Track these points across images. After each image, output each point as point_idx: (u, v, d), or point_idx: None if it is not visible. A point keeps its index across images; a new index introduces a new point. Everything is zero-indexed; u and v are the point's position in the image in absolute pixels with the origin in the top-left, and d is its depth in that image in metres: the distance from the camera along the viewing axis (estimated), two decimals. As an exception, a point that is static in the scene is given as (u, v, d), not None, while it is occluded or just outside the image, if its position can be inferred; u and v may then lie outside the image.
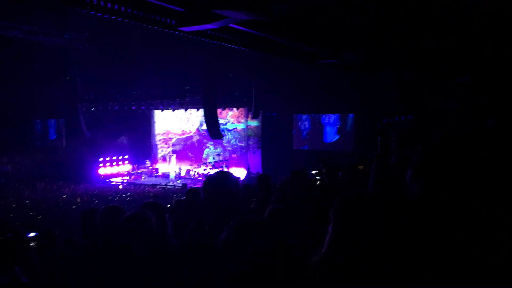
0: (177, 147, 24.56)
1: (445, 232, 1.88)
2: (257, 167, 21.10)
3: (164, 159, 24.77)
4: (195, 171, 22.58)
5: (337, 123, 19.79)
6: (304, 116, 20.58)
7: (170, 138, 24.89)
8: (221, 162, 21.25)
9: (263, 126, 21.34)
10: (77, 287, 3.10)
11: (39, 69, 18.51)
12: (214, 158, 21.52)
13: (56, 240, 4.31)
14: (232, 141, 22.70)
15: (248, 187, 6.43)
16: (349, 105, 18.97)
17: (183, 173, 22.63)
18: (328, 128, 20.04)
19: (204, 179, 2.80)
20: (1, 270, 2.88)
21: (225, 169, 20.09)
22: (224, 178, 2.65)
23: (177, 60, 16.46)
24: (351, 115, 19.40)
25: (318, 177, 8.06)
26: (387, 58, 11.72)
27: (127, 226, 2.80)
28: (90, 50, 15.62)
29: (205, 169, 21.65)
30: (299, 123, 20.73)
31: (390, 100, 16.41)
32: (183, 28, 7.36)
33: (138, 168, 23.80)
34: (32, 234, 7.55)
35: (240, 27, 8.12)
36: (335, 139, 19.90)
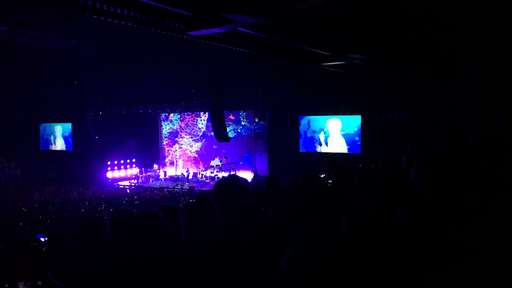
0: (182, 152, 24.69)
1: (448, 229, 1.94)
2: (264, 170, 21.12)
3: (172, 163, 24.90)
4: (202, 174, 22.65)
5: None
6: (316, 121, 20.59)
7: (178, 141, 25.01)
8: (228, 165, 21.28)
9: (270, 128, 21.36)
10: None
11: (47, 73, 18.64)
12: (221, 161, 21.55)
13: (67, 245, 4.34)
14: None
15: (257, 189, 6.43)
16: (356, 107, 18.97)
17: (190, 176, 22.73)
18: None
19: (214, 183, 2.81)
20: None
21: (232, 172, 20.13)
22: (234, 181, 2.68)
23: (184, 63, 16.52)
24: (357, 116, 19.37)
25: (329, 181, 8.06)
26: (393, 59, 11.73)
27: (140, 224, 2.82)
28: (97, 54, 15.71)
29: (212, 172, 21.70)
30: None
31: (395, 101, 16.39)
32: (192, 32, 7.41)
33: (145, 172, 23.91)
34: (42, 239, 7.62)
35: (247, 31, 8.17)
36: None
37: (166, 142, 25.37)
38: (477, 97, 13.42)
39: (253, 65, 15.74)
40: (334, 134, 19.98)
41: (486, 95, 12.93)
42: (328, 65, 12.52)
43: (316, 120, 20.47)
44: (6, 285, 3.14)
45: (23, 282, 3.09)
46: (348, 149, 19.63)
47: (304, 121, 20.71)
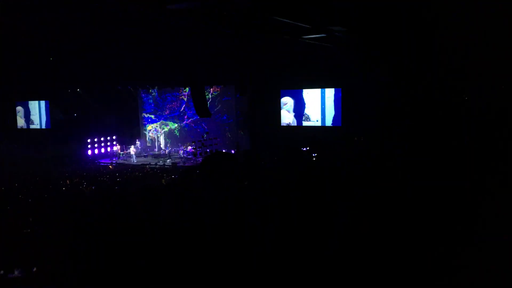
0: (166, 129, 24.53)
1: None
2: (246, 145, 21.14)
3: (153, 139, 24.76)
4: (184, 150, 22.59)
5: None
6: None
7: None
8: (210, 141, 21.22)
9: (251, 103, 21.29)
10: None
11: (22, 50, 18.14)
12: (203, 137, 21.47)
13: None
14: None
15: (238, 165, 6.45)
16: (336, 80, 18.99)
17: (173, 152, 22.69)
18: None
19: (202, 159, 2.81)
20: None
21: (215, 148, 20.14)
22: (222, 157, 2.70)
23: (163, 39, 16.23)
24: (338, 89, 19.40)
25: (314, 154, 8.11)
26: (374, 32, 11.70)
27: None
28: (74, 30, 15.30)
29: (194, 148, 21.63)
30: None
31: (377, 74, 16.42)
32: (170, 6, 7.28)
33: (127, 148, 23.73)
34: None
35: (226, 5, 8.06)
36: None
37: (147, 116, 25.11)
38: (450, 70, 13.54)
39: (234, 40, 15.55)
40: (314, 107, 20.02)
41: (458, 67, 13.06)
42: (309, 38, 12.46)
43: (297, 94, 20.47)
44: (1, 272, 3.12)
45: (19, 269, 3.08)
46: (329, 122, 19.72)
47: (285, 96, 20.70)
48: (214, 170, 2.61)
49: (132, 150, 22.94)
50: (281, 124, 20.61)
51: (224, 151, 15.08)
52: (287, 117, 20.55)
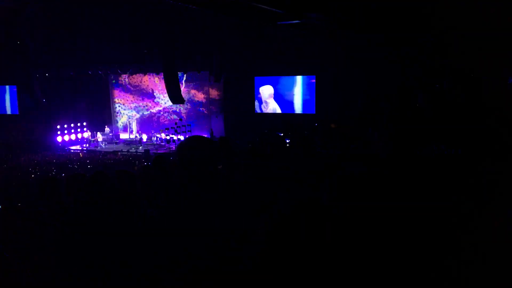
0: (138, 115, 24.16)
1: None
2: (220, 131, 21.02)
3: (125, 126, 24.36)
4: (156, 137, 22.33)
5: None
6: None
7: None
8: (183, 127, 21.02)
9: (225, 89, 21.16)
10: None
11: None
12: (176, 124, 21.24)
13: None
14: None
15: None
16: (311, 67, 18.99)
17: (144, 139, 22.39)
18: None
19: (177, 145, 2.71)
20: None
21: (188, 135, 19.95)
22: (198, 142, 2.60)
23: (135, 23, 15.88)
24: (312, 77, 19.43)
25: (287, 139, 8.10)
26: (350, 18, 11.69)
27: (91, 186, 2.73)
28: (42, 12, 14.81)
29: (167, 135, 21.38)
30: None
31: (353, 62, 16.49)
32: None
33: (97, 135, 23.30)
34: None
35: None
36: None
37: (118, 102, 24.64)
38: (427, 57, 13.72)
39: (208, 25, 15.35)
40: (288, 94, 20.03)
41: (437, 54, 13.23)
42: (285, 25, 12.37)
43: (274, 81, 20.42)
44: None
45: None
46: (303, 109, 19.78)
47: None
48: (190, 156, 2.49)
49: (99, 137, 22.54)
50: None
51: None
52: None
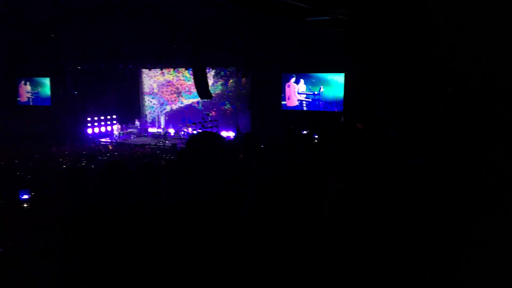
0: (168, 108, 24.48)
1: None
2: (246, 127, 21.09)
3: (153, 120, 24.71)
4: (184, 131, 22.57)
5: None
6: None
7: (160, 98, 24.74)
8: (210, 122, 21.17)
9: (253, 86, 21.18)
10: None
11: (22, 27, 17.99)
12: (203, 118, 21.41)
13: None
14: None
15: (237, 147, 6.40)
16: (339, 65, 18.81)
17: (172, 133, 22.67)
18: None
19: (188, 139, 2.76)
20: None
21: (215, 130, 20.09)
22: (207, 137, 2.63)
23: (166, 18, 16.08)
24: (341, 74, 19.26)
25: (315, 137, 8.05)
26: (379, 15, 11.53)
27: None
28: (75, 7, 15.17)
29: (194, 129, 21.57)
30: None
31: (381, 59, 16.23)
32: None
33: (127, 128, 23.70)
34: (25, 196, 7.50)
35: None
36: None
37: (148, 99, 25.07)
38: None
39: (236, 21, 15.40)
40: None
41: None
42: (313, 21, 12.30)
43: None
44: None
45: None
46: (330, 108, 19.62)
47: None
48: (199, 149, 2.54)
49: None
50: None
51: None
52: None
